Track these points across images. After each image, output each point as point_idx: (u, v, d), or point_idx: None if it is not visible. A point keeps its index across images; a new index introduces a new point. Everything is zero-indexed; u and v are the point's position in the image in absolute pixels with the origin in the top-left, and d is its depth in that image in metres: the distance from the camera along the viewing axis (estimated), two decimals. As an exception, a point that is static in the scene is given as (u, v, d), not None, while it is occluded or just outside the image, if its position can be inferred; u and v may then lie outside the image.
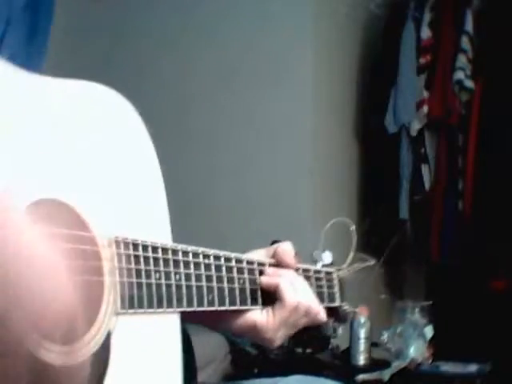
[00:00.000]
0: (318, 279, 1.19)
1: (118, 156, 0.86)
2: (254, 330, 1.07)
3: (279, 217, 3.26)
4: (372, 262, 1.25)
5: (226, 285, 0.98)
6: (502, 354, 3.10)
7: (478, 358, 2.90)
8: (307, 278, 1.15)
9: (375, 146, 3.60)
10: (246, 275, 1.02)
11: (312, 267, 1.19)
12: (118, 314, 0.80)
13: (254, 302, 1.05)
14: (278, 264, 1.09)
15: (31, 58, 0.90)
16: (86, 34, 3.48)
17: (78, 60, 3.36)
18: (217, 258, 0.97)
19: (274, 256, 1.10)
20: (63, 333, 0.67)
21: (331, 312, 1.21)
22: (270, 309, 1.07)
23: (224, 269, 0.98)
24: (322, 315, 1.11)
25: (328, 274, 1.22)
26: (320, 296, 1.17)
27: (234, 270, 1.00)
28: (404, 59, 3.50)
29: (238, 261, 1.01)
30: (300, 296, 1.07)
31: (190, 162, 3.37)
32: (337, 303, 1.23)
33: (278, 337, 1.09)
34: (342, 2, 3.51)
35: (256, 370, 2.83)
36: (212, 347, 2.88)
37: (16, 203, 0.64)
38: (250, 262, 1.04)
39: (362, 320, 2.83)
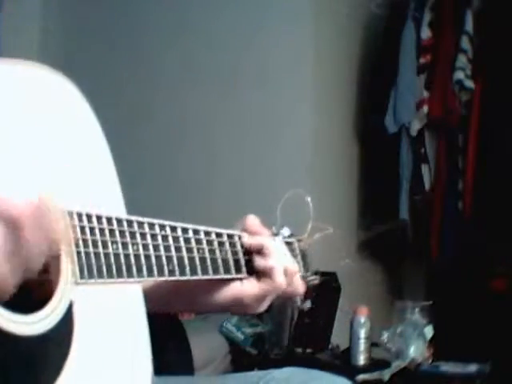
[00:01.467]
0: None
1: (66, 135, 0.87)
2: (235, 300, 1.11)
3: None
4: (330, 229, 1.27)
5: (185, 254, 0.99)
6: (502, 353, 3.10)
7: (478, 358, 2.89)
8: None
9: (375, 145, 3.60)
10: (204, 245, 1.04)
11: None
12: (78, 284, 0.81)
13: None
14: (250, 233, 1.14)
15: None
16: (83, 36, 3.48)
17: (76, 60, 3.37)
18: (173, 228, 0.99)
19: (245, 228, 1.14)
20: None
21: None
22: (253, 280, 1.12)
23: (182, 239, 1.00)
24: (301, 288, 1.17)
25: (289, 244, 1.23)
26: None
27: (192, 240, 1.02)
28: (404, 59, 3.50)
29: (196, 231, 1.04)
30: (288, 277, 1.13)
31: (189, 161, 3.37)
32: (301, 273, 1.24)
33: (260, 305, 1.13)
34: (342, 1, 3.51)
35: (256, 370, 2.83)
36: (212, 347, 2.88)
37: None
38: (207, 233, 1.06)
39: (362, 320, 2.83)
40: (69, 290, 0.80)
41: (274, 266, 1.11)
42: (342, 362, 2.87)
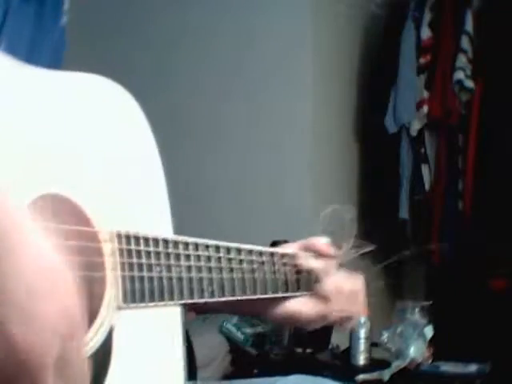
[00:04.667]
0: None
1: (119, 149, 0.86)
2: (290, 318, 1.12)
3: (279, 216, 3.26)
4: (370, 247, 1.24)
5: (225, 275, 0.98)
6: (502, 353, 3.10)
7: (477, 358, 2.89)
8: None
9: (375, 145, 3.60)
10: (244, 265, 1.02)
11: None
12: (120, 308, 0.80)
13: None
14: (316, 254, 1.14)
15: (36, 51, 0.89)
16: (94, 32, 3.48)
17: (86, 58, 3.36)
18: (217, 249, 0.97)
19: (307, 248, 1.14)
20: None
21: None
22: (310, 302, 1.12)
23: (224, 260, 0.98)
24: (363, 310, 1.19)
25: None
26: None
27: (233, 261, 1.00)
28: (404, 59, 3.50)
29: (238, 251, 1.02)
30: (346, 302, 1.14)
31: (190, 160, 3.37)
32: None
33: (315, 323, 1.14)
34: (341, 2, 3.51)
35: (256, 370, 2.83)
36: (212, 347, 2.88)
37: (18, 202, 0.62)
38: (250, 252, 1.04)
39: (362, 320, 2.83)
40: (110, 315, 0.79)
41: (330, 292, 1.13)
42: (342, 362, 2.87)
